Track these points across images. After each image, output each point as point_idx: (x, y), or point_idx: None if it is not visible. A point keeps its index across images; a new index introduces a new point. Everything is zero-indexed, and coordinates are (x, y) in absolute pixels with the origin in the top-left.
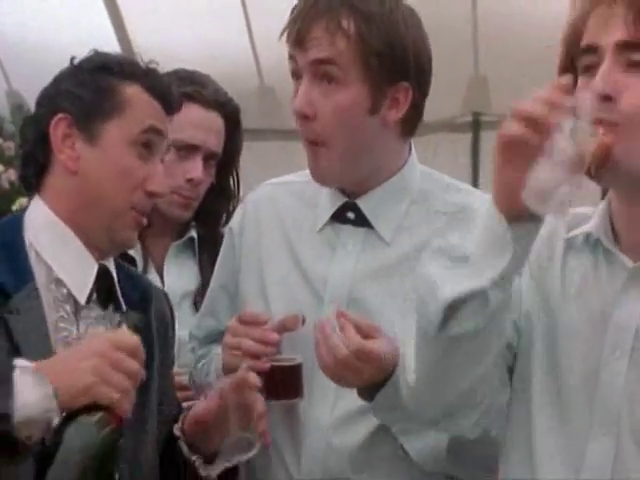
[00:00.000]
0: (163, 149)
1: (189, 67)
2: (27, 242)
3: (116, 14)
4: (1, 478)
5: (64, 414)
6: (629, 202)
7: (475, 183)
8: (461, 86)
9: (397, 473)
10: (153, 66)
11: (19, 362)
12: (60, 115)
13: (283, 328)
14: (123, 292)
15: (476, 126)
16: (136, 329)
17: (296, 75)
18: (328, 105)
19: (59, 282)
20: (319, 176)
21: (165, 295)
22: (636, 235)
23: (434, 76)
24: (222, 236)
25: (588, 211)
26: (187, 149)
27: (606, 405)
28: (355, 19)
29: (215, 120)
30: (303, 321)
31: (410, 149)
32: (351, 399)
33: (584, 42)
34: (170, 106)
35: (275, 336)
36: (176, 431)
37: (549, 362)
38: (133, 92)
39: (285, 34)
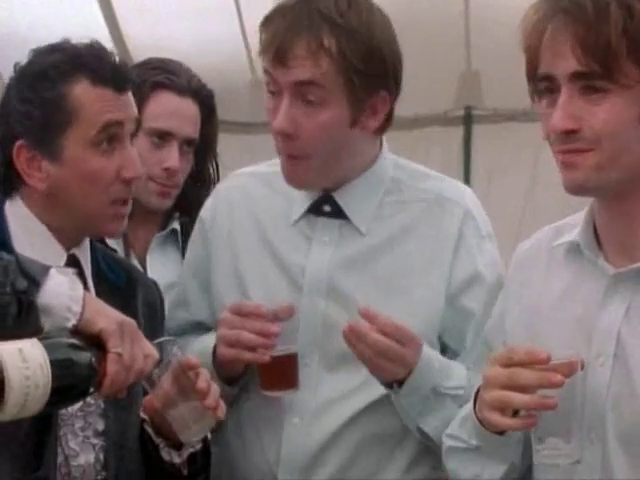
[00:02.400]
0: (128, 133)
1: (182, 61)
2: (9, 226)
3: (108, 8)
4: None
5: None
6: (611, 210)
7: (467, 176)
8: (453, 80)
9: (372, 456)
10: (95, 46)
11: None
12: (19, 142)
13: (276, 318)
14: (106, 276)
15: (468, 120)
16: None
17: (272, 90)
18: (310, 124)
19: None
20: (297, 183)
21: (154, 283)
22: (618, 242)
23: (427, 70)
24: None
25: (573, 220)
26: (162, 137)
27: (592, 411)
28: (336, 37)
29: (189, 106)
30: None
31: (381, 141)
32: (331, 386)
33: (541, 71)
34: (122, 85)
35: (275, 328)
36: (142, 414)
37: None
38: (80, 92)
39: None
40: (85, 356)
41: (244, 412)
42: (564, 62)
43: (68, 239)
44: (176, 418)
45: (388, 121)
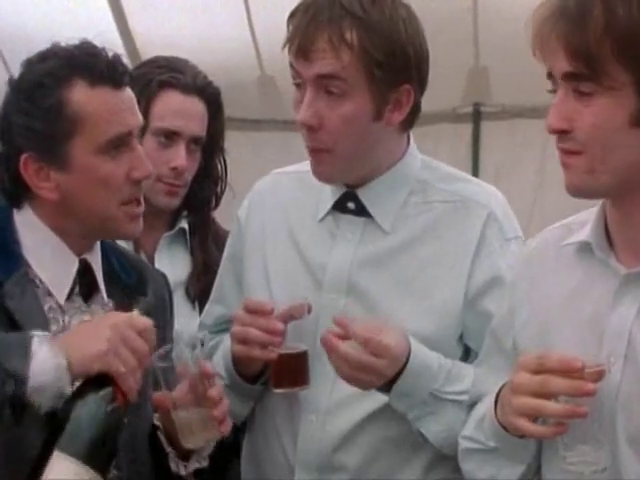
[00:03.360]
0: (135, 135)
1: (190, 58)
2: (19, 234)
3: (117, 4)
4: (9, 443)
5: (76, 385)
6: (619, 210)
7: (475, 173)
8: (462, 77)
9: (385, 456)
10: (86, 45)
11: (37, 332)
12: (24, 156)
13: (289, 317)
14: (119, 276)
15: (477, 117)
16: (147, 315)
17: (298, 84)
18: (333, 116)
19: (39, 279)
20: (322, 177)
21: (164, 277)
22: (628, 241)
23: (435, 67)
24: (213, 220)
25: (582, 217)
26: (169, 136)
27: (602, 412)
28: (358, 30)
29: (195, 104)
30: (309, 310)
31: (408, 139)
32: (347, 385)
33: (546, 69)
34: (119, 80)
35: (280, 326)
36: (155, 421)
37: None
38: (79, 96)
39: (287, 43)
40: (100, 412)
41: (266, 410)
42: (558, 63)
43: (79, 244)
44: (182, 421)
45: (413, 115)
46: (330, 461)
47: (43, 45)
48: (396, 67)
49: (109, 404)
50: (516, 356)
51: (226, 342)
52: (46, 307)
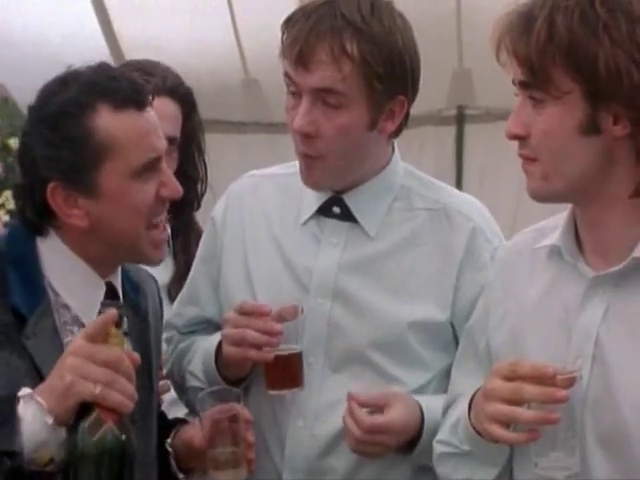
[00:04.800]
0: (164, 157)
1: (175, 61)
2: (42, 264)
3: (102, 8)
4: None
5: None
6: (585, 215)
7: (459, 176)
8: (446, 79)
9: (378, 460)
10: (105, 67)
11: (22, 392)
12: (51, 185)
13: (281, 318)
14: (130, 296)
15: (460, 119)
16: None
17: (292, 92)
18: (330, 126)
19: (66, 307)
20: (312, 183)
21: (155, 281)
22: (597, 244)
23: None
24: (195, 222)
25: (555, 221)
26: None
27: (574, 418)
28: (358, 42)
29: (166, 105)
30: (302, 311)
31: (393, 147)
32: (335, 387)
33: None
34: (142, 101)
35: (279, 326)
36: (168, 447)
37: None
38: (105, 122)
39: (281, 50)
40: (89, 445)
41: (250, 415)
42: (513, 71)
43: (105, 268)
44: (219, 457)
45: (403, 125)
46: (319, 465)
47: (28, 49)
48: (394, 79)
49: (95, 432)
50: (489, 358)
51: (203, 344)
52: (67, 340)
